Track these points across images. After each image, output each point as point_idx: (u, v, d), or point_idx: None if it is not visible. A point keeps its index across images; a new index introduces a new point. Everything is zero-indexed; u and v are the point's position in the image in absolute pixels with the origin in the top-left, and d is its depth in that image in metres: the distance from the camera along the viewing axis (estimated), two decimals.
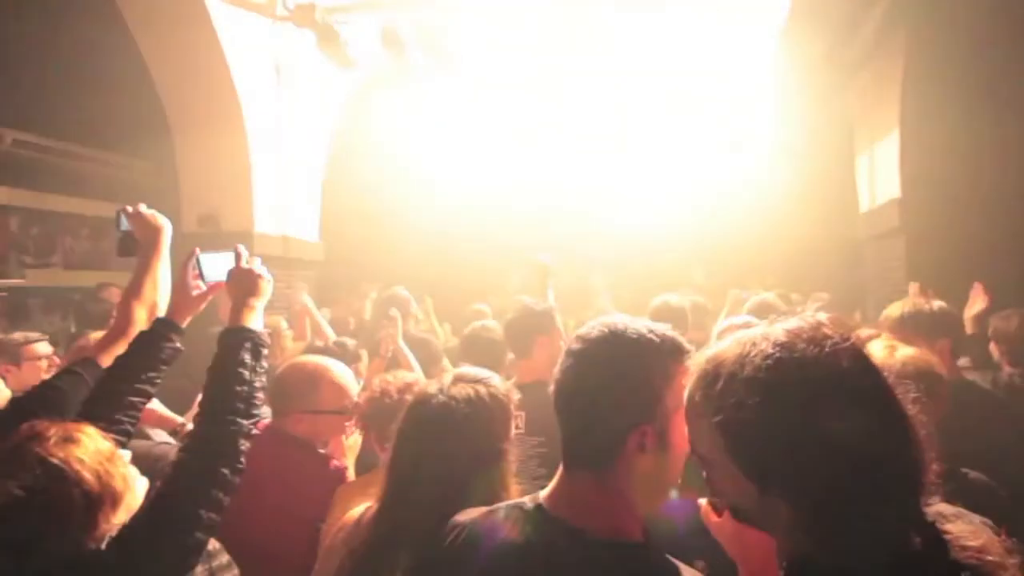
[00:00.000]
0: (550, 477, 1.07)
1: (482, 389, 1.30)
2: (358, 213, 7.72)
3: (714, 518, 0.92)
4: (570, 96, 6.57)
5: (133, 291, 1.71)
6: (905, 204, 4.72)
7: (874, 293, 5.39)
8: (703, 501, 0.93)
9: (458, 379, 1.33)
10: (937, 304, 2.38)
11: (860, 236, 5.63)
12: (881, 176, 5.17)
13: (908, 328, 2.17)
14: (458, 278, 8.49)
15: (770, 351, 0.76)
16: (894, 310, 2.36)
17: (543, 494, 1.04)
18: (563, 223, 9.63)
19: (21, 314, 5.82)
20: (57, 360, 2.96)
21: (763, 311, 3.11)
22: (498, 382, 1.35)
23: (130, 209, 1.80)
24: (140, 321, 1.66)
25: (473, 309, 5.16)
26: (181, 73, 4.80)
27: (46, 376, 2.65)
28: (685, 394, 0.87)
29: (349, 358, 3.10)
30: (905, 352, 1.67)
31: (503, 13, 5.02)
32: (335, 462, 1.98)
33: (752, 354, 0.77)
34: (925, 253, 4.57)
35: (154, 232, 1.77)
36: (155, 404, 2.24)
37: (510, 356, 2.86)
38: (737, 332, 0.84)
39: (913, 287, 3.51)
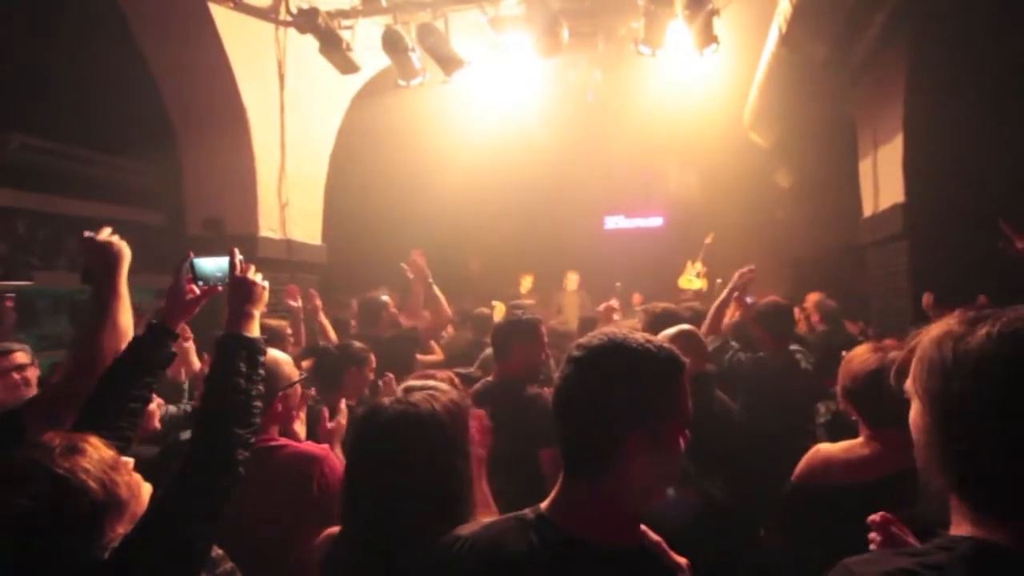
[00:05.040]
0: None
1: (436, 395, 1.29)
2: (361, 216, 7.75)
3: None
4: (572, 96, 6.56)
5: (97, 326, 1.59)
6: (909, 209, 4.70)
7: (877, 299, 5.38)
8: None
9: (408, 390, 1.32)
10: None
11: (863, 241, 5.61)
12: (884, 180, 5.16)
13: None
14: (462, 281, 8.50)
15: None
16: None
17: (544, 503, 1.06)
18: (567, 224, 9.65)
19: (28, 316, 5.87)
20: (37, 369, 2.80)
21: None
22: (449, 389, 1.34)
23: (88, 234, 1.68)
24: (108, 356, 1.57)
25: (478, 311, 5.18)
26: (185, 78, 4.83)
27: (26, 388, 2.62)
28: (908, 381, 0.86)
29: (354, 360, 3.10)
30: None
31: (504, 14, 5.03)
32: (306, 444, 1.96)
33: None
34: (928, 258, 4.55)
35: (108, 259, 1.65)
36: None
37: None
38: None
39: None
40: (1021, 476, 0.75)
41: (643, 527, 1.07)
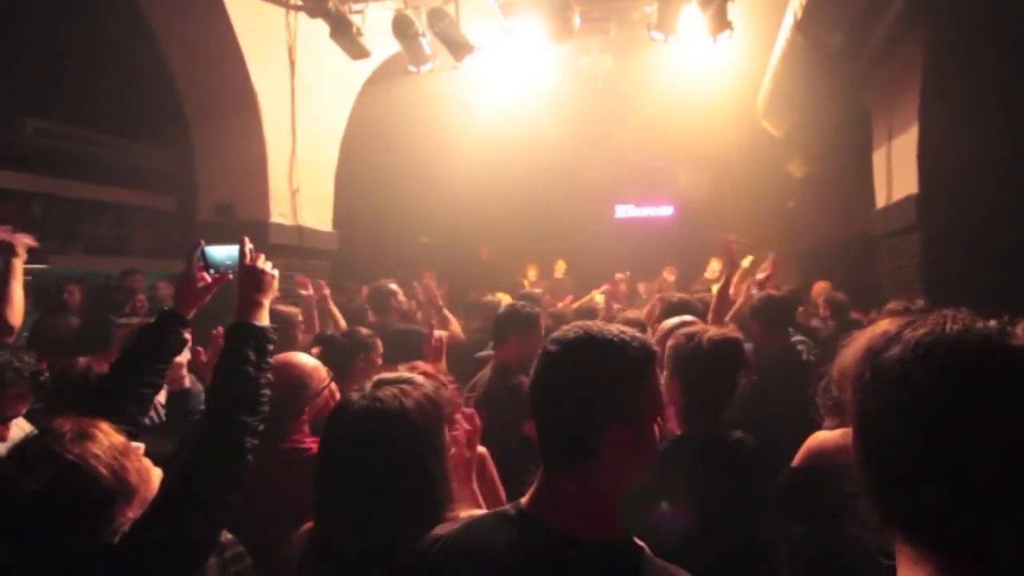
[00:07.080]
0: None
1: (407, 389, 1.23)
2: (372, 202, 7.77)
3: None
4: (583, 82, 6.51)
5: None
6: (922, 200, 4.63)
7: (888, 292, 5.32)
8: None
9: (380, 383, 1.25)
10: None
11: (875, 232, 5.55)
12: (898, 171, 5.08)
13: None
14: (470, 268, 8.53)
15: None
16: None
17: (524, 499, 1.04)
18: (578, 212, 9.62)
19: (44, 299, 5.97)
20: None
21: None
22: (423, 381, 1.28)
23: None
24: None
25: (485, 300, 5.20)
26: (198, 64, 4.85)
27: None
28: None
29: (361, 346, 3.12)
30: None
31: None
32: None
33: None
34: (941, 251, 4.50)
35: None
36: None
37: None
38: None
39: None
40: (948, 511, 0.62)
41: None
